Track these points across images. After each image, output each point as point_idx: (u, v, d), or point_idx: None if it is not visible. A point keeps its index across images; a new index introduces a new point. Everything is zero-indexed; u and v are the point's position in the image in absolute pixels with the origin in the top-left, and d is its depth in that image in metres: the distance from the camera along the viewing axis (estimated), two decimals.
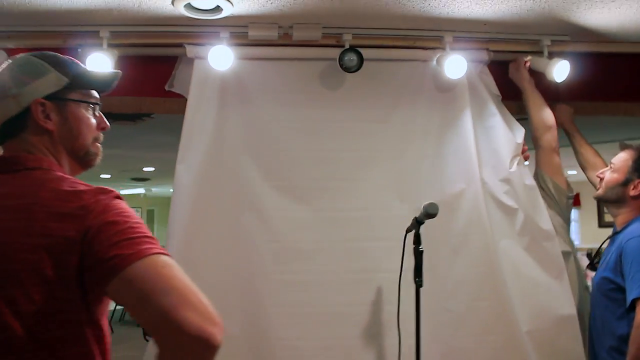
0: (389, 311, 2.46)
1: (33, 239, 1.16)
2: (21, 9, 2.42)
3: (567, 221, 2.82)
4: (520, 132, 2.80)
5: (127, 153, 6.36)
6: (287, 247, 2.64)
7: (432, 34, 2.74)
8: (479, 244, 2.62)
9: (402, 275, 2.31)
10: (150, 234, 1.21)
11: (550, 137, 2.78)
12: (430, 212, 2.08)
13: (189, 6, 2.35)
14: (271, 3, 2.36)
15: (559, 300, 2.57)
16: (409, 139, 2.78)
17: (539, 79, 2.84)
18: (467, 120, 2.76)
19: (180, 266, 1.16)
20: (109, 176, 9.31)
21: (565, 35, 2.82)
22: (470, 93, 2.81)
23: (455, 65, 2.66)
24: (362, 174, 2.73)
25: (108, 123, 1.50)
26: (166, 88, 2.79)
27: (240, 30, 2.62)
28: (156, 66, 2.81)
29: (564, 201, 2.77)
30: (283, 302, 2.58)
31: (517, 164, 2.77)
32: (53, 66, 1.37)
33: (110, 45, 2.62)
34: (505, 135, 2.78)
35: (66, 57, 1.42)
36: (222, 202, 2.65)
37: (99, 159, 1.49)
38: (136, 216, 1.25)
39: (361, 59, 2.59)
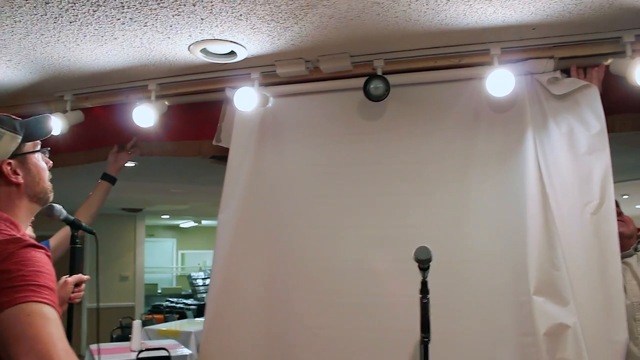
0: None
1: None
2: (85, 72, 2.69)
3: None
4: (601, 165, 2.24)
5: None
6: (322, 299, 2.51)
7: (477, 49, 2.41)
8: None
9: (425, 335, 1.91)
10: (40, 282, 1.26)
11: None
12: (419, 258, 1.78)
13: (205, 51, 2.40)
14: (278, 39, 2.29)
15: None
16: (463, 176, 2.44)
17: (620, 84, 2.32)
18: (529, 148, 2.34)
19: (52, 318, 1.21)
20: None
21: None
22: (533, 113, 2.38)
23: (501, 80, 2.29)
24: (405, 221, 2.47)
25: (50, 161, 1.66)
26: (214, 143, 2.86)
27: (272, 69, 2.60)
28: (207, 110, 2.91)
29: None
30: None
31: (593, 213, 2.22)
32: (4, 128, 1.52)
33: (160, 97, 2.79)
34: (576, 170, 2.29)
35: (4, 115, 1.56)
36: (259, 249, 2.63)
37: (52, 195, 1.65)
38: (38, 265, 1.31)
39: (387, 86, 2.37)
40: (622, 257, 2.24)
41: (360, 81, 2.48)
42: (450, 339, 2.26)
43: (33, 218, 1.63)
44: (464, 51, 2.44)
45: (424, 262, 1.79)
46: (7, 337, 1.16)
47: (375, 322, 2.44)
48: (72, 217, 2.05)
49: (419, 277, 1.91)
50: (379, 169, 2.54)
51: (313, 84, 2.61)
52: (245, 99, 2.51)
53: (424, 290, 1.84)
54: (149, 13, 2.05)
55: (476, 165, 2.44)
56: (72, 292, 1.96)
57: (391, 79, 2.44)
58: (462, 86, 2.49)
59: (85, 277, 2.02)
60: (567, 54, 2.39)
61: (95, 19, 2.08)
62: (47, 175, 1.61)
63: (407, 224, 2.47)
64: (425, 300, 1.82)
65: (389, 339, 2.39)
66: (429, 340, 1.83)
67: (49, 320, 1.20)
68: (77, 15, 2.05)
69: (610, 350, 2.10)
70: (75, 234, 2.06)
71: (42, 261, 1.33)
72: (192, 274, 11.61)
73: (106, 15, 2.05)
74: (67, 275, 1.98)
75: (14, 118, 1.55)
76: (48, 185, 1.61)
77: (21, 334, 1.15)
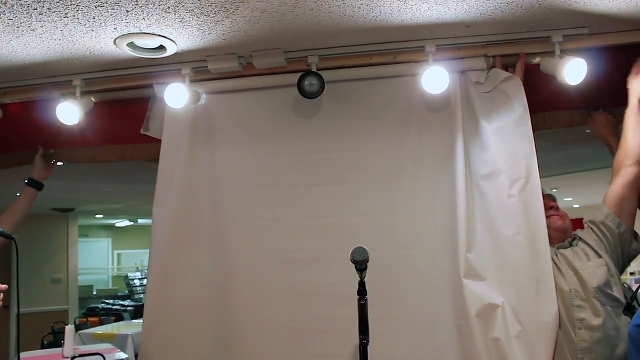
0: None
1: None
2: (8, 65, 2.52)
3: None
4: (524, 142, 2.29)
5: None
6: (261, 290, 2.47)
7: (412, 45, 2.40)
8: None
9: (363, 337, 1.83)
10: None
11: (636, 171, 2.20)
12: (356, 259, 1.74)
13: (133, 45, 2.28)
14: (209, 34, 2.21)
15: None
16: (396, 171, 2.45)
17: (549, 82, 2.37)
18: (459, 141, 2.38)
19: None
20: None
21: (583, 27, 2.33)
22: (465, 107, 2.42)
23: (435, 77, 2.29)
24: (342, 211, 2.46)
25: None
26: (141, 132, 2.74)
27: (203, 64, 2.50)
28: (134, 110, 2.78)
29: (626, 251, 2.23)
30: None
31: (520, 190, 2.26)
32: None
33: (85, 93, 2.64)
34: (504, 151, 2.33)
35: None
36: (196, 242, 2.56)
37: None
38: None
39: (322, 82, 2.33)
40: (558, 248, 2.30)
41: (295, 77, 2.42)
42: (390, 324, 2.30)
43: None
44: (399, 48, 2.43)
45: (360, 263, 1.75)
46: None
47: (314, 311, 2.43)
48: None
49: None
50: (313, 162, 2.52)
51: (246, 80, 2.54)
52: (176, 96, 2.41)
53: (362, 291, 1.80)
54: (69, 3, 1.92)
55: (410, 159, 2.46)
56: None
57: (326, 75, 2.40)
58: (397, 82, 2.48)
59: (3, 286, 1.91)
60: (499, 52, 2.42)
61: (8, 7, 1.92)
62: None
63: (343, 214, 2.46)
64: (362, 302, 1.78)
65: (330, 327, 2.39)
66: (368, 342, 1.79)
67: None
68: None
69: (542, 328, 2.12)
70: None
71: None
72: (129, 274, 11.27)
73: (21, 5, 1.91)
74: None
75: None
76: None
77: None
